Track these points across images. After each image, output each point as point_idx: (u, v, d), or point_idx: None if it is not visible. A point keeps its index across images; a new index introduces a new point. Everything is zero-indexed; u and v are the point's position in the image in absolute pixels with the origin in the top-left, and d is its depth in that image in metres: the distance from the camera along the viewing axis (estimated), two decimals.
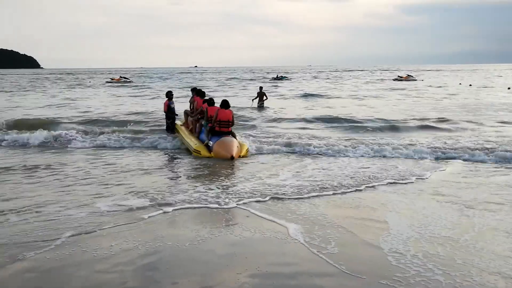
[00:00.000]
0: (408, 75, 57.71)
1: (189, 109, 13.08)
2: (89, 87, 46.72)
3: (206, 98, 12.07)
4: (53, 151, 11.02)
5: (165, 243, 5.09)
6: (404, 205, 6.50)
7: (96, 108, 22.18)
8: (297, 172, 8.52)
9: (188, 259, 4.67)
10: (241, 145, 10.40)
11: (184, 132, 12.05)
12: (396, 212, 6.16)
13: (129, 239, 5.18)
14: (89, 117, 18.10)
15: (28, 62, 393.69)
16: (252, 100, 22.38)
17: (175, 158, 10.14)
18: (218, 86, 47.62)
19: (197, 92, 12.77)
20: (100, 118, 17.02)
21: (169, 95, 13.71)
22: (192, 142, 10.86)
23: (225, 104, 10.55)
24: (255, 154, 10.36)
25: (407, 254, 4.73)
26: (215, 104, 11.19)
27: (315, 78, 66.54)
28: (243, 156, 10.11)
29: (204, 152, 10.19)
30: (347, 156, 10.14)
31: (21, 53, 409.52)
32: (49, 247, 4.96)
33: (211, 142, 10.24)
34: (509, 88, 35.42)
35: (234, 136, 10.59)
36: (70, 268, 4.45)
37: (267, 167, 8.95)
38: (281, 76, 61.24)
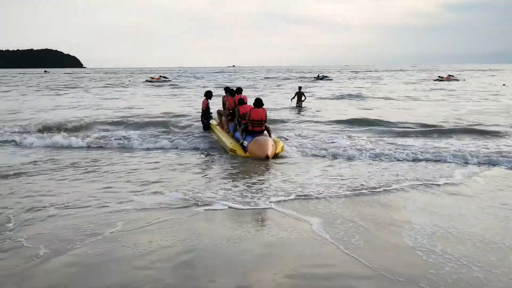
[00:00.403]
0: (449, 75, 56.05)
1: (221, 109, 13.21)
2: (127, 86, 47.64)
3: (241, 97, 11.97)
4: (99, 151, 11.10)
5: (202, 241, 5.15)
6: (438, 206, 6.36)
7: (137, 108, 22.45)
8: (332, 173, 8.41)
9: (225, 257, 4.70)
10: (276, 143, 10.38)
11: (220, 132, 12.13)
12: (427, 212, 6.05)
13: (167, 236, 5.27)
14: (126, 117, 18.19)
15: (72, 62, 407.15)
16: (291, 99, 22.32)
17: (213, 158, 10.20)
18: (253, 85, 47.61)
19: (229, 92, 12.81)
20: (138, 120, 16.89)
21: (209, 94, 13.89)
22: (228, 141, 10.91)
23: (258, 102, 10.51)
24: (290, 156, 10.19)
25: (441, 254, 4.64)
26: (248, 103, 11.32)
27: (354, 78, 65.35)
28: (278, 153, 10.12)
29: (239, 151, 10.21)
30: (381, 159, 9.75)
31: (65, 53, 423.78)
32: (91, 242, 5.10)
33: (245, 142, 10.25)
34: (504, 85, 34.80)
35: (269, 133, 10.57)
36: (110, 263, 4.56)
37: (302, 168, 8.87)
38: (323, 76, 60.80)
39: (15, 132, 13.78)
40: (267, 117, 10.75)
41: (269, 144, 9.91)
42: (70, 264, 4.56)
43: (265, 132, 10.51)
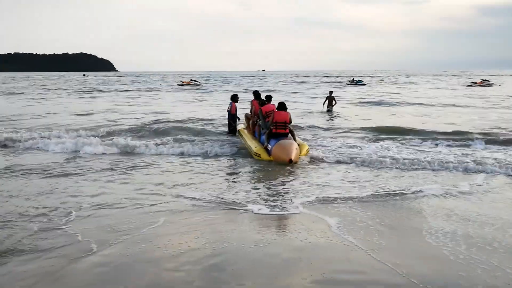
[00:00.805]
0: (483, 80, 54.31)
1: (249, 113, 13.26)
2: (158, 90, 48.17)
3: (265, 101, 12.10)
4: (132, 157, 10.92)
5: (231, 244, 5.18)
6: (464, 212, 6.22)
7: (170, 112, 22.48)
8: (358, 178, 8.31)
9: (254, 261, 4.71)
10: (301, 146, 10.36)
11: (247, 135, 12.11)
12: (455, 218, 5.90)
13: (197, 239, 5.32)
14: (157, 122, 18.41)
15: (106, 65, 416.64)
16: (323, 104, 22.29)
17: (239, 162, 10.10)
18: (284, 89, 47.53)
19: (256, 96, 12.79)
20: (168, 126, 16.76)
21: (235, 98, 14.00)
22: (253, 145, 10.89)
23: (281, 106, 10.55)
24: (317, 162, 9.98)
25: (468, 259, 4.53)
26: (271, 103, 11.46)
27: (386, 83, 63.79)
28: (303, 156, 10.10)
29: (264, 155, 10.17)
30: (407, 169, 9.25)
31: (98, 56, 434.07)
32: (121, 243, 5.21)
33: (270, 146, 10.20)
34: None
35: (294, 136, 10.53)
36: (140, 264, 4.63)
37: (328, 173, 8.80)
38: (357, 80, 60.11)
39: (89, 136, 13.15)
40: (292, 121, 10.74)
41: (293, 147, 9.82)
42: (99, 264, 4.65)
43: (289, 135, 10.46)
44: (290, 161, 9.47)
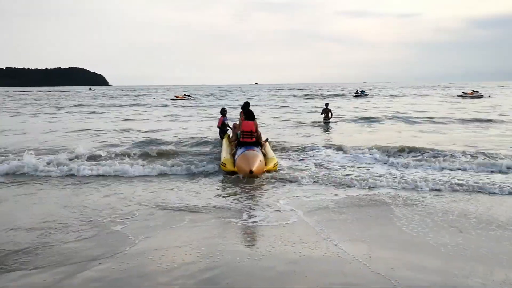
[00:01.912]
0: (474, 91, 54.46)
1: (237, 123, 13.32)
2: (148, 103, 47.95)
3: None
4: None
5: (225, 257, 5.15)
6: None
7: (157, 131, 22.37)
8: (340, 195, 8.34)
9: (248, 275, 4.69)
10: (269, 159, 10.09)
11: (224, 145, 11.97)
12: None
13: (190, 253, 5.29)
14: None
15: (98, 79, 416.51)
16: (320, 114, 22.74)
17: (225, 177, 9.74)
18: (278, 103, 47.45)
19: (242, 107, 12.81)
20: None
21: (223, 111, 14.65)
22: (223, 155, 10.65)
23: (248, 115, 10.53)
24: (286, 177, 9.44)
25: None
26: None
27: (381, 95, 62.19)
28: (269, 171, 9.72)
29: (229, 166, 9.80)
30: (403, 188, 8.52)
31: (91, 71, 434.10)
32: (114, 258, 5.16)
33: (237, 155, 10.01)
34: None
35: (262, 146, 10.46)
36: (135, 279, 4.60)
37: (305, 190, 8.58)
38: (361, 91, 60.84)
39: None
40: (259, 130, 10.64)
41: (256, 159, 9.48)
42: (94, 279, 4.61)
43: (256, 147, 10.21)
44: (251, 172, 9.15)
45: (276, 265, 4.90)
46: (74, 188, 8.76)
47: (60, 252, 5.39)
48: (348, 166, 10.73)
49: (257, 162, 9.41)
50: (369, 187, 8.55)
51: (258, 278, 4.59)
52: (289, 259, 5.07)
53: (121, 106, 43.52)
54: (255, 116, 10.97)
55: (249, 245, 5.57)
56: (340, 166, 10.76)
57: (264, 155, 10.27)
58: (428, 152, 11.95)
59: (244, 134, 10.34)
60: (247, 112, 10.69)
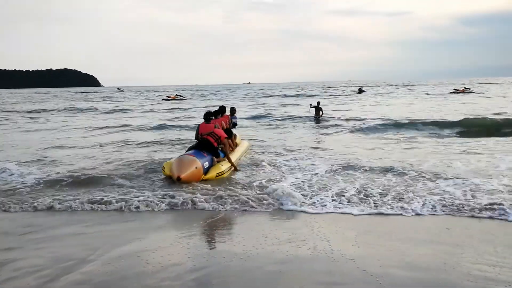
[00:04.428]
0: (465, 88, 55.73)
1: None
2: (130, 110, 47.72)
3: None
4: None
5: (212, 257, 5.14)
6: None
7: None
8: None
9: (234, 275, 4.65)
10: (214, 167, 9.48)
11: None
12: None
13: (177, 254, 5.26)
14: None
15: (90, 80, 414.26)
16: (310, 105, 23.38)
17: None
18: (273, 102, 47.46)
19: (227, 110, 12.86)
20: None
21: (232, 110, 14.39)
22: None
23: (205, 118, 10.32)
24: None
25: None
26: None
27: (376, 94, 60.80)
28: (208, 179, 9.02)
29: (167, 170, 9.27)
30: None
31: (83, 72, 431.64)
32: (100, 260, 5.11)
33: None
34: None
35: (214, 153, 9.82)
36: (120, 281, 4.55)
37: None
38: (361, 88, 64.71)
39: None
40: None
41: (191, 165, 8.84)
42: (79, 282, 4.55)
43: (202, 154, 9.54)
44: (178, 179, 8.59)
45: (263, 265, 4.87)
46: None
47: (42, 255, 5.32)
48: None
49: (189, 169, 8.75)
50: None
51: (245, 279, 4.56)
52: (276, 259, 5.04)
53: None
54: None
55: (235, 245, 5.54)
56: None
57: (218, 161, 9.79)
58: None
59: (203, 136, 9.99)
60: (204, 115, 10.46)
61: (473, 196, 7.43)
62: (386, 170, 9.63)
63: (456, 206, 6.98)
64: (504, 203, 6.90)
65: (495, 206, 6.79)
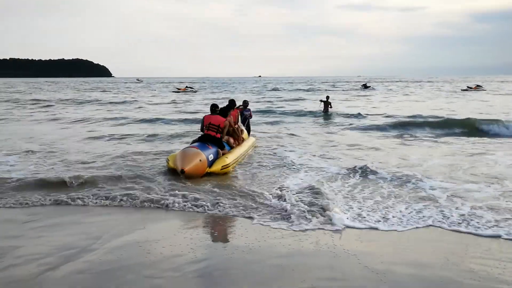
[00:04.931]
0: (477, 85, 55.22)
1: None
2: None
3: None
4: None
5: (213, 250, 5.12)
6: None
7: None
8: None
9: (235, 268, 4.62)
10: (219, 160, 9.28)
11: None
12: None
13: (179, 245, 5.24)
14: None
15: (101, 71, 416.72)
16: (320, 100, 23.82)
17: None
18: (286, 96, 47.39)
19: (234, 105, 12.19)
20: None
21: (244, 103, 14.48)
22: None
23: (211, 110, 10.13)
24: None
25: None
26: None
27: (389, 90, 59.35)
28: (213, 173, 8.90)
29: (171, 162, 9.08)
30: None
31: (95, 62, 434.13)
32: (103, 249, 5.11)
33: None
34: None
35: (218, 145, 9.69)
36: (120, 271, 4.53)
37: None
38: (365, 83, 63.70)
39: None
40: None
41: (193, 158, 8.65)
42: (80, 271, 4.55)
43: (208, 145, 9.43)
44: (182, 171, 8.39)
45: (264, 259, 4.84)
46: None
47: (44, 243, 5.34)
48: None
49: (193, 161, 8.59)
50: None
51: (246, 272, 4.53)
52: (277, 253, 5.00)
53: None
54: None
55: (237, 238, 5.51)
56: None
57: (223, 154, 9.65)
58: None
59: (210, 127, 9.83)
60: (211, 106, 10.31)
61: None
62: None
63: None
64: None
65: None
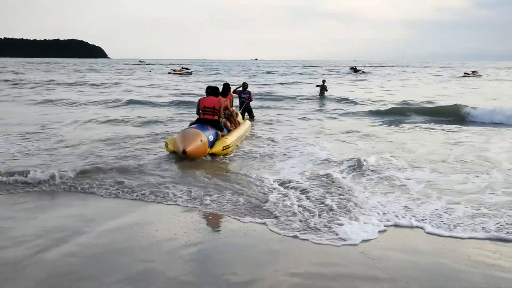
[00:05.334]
0: (474, 71, 55.79)
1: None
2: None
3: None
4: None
5: (207, 234, 5.09)
6: None
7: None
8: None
9: (228, 252, 4.59)
10: (219, 141, 9.15)
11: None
12: None
13: (173, 228, 5.20)
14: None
15: (97, 52, 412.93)
16: (316, 85, 24.94)
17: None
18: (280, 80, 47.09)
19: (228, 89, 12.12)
20: None
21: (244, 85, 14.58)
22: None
23: (207, 92, 10.05)
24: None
25: None
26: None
27: (387, 74, 59.27)
28: (214, 154, 8.86)
29: (170, 146, 8.92)
30: None
31: (90, 43, 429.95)
32: (95, 232, 5.05)
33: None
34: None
35: (217, 127, 9.51)
36: (112, 255, 4.48)
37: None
38: (355, 67, 63.51)
39: None
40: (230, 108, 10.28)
41: (196, 138, 8.56)
42: (71, 254, 4.49)
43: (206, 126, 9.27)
44: (184, 152, 8.26)
45: (258, 244, 4.80)
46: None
47: (35, 225, 5.28)
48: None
49: (195, 142, 8.47)
50: None
51: (238, 256, 4.50)
52: (272, 238, 4.96)
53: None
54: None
55: (231, 222, 5.45)
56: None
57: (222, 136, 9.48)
58: None
59: (205, 110, 9.68)
60: (207, 88, 10.19)
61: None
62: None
63: None
64: None
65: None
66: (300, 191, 6.59)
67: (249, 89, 14.70)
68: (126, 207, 5.95)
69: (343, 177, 7.40)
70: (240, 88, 14.58)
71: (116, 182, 6.99)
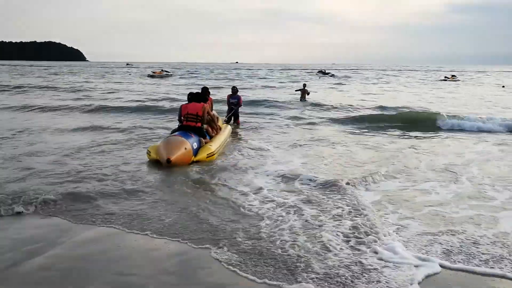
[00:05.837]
0: (453, 76, 57.13)
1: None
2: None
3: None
4: None
5: (186, 244, 4.89)
6: None
7: None
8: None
9: (211, 262, 4.42)
10: (203, 148, 8.91)
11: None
12: None
13: (151, 238, 5.00)
14: None
15: (75, 55, 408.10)
16: (296, 90, 25.23)
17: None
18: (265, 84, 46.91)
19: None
20: None
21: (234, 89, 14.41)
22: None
23: (188, 99, 9.82)
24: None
25: None
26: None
27: (366, 78, 58.35)
28: (198, 161, 8.54)
29: (153, 154, 8.54)
30: None
31: (68, 46, 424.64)
32: (71, 243, 4.84)
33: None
34: (503, 86, 38.24)
35: (200, 134, 9.28)
36: (89, 267, 4.28)
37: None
38: (323, 70, 63.66)
39: None
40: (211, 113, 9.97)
41: (179, 146, 8.30)
42: (44, 267, 4.27)
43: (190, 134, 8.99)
44: (168, 161, 7.98)
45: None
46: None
47: (6, 236, 5.01)
48: None
49: (179, 150, 8.22)
50: None
51: (217, 266, 4.35)
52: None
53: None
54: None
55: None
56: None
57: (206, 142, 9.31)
58: None
59: (188, 117, 9.43)
60: (189, 95, 9.91)
61: None
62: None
63: None
64: None
65: None
66: None
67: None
68: (107, 215, 5.71)
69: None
70: (230, 93, 14.38)
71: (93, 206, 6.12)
